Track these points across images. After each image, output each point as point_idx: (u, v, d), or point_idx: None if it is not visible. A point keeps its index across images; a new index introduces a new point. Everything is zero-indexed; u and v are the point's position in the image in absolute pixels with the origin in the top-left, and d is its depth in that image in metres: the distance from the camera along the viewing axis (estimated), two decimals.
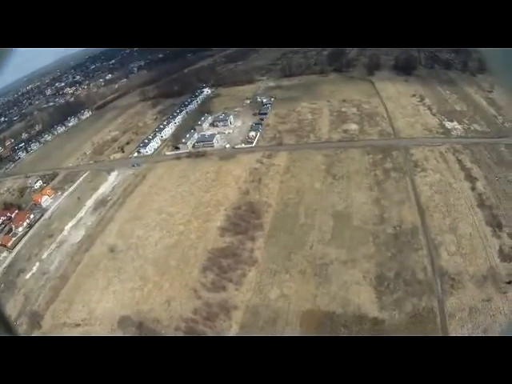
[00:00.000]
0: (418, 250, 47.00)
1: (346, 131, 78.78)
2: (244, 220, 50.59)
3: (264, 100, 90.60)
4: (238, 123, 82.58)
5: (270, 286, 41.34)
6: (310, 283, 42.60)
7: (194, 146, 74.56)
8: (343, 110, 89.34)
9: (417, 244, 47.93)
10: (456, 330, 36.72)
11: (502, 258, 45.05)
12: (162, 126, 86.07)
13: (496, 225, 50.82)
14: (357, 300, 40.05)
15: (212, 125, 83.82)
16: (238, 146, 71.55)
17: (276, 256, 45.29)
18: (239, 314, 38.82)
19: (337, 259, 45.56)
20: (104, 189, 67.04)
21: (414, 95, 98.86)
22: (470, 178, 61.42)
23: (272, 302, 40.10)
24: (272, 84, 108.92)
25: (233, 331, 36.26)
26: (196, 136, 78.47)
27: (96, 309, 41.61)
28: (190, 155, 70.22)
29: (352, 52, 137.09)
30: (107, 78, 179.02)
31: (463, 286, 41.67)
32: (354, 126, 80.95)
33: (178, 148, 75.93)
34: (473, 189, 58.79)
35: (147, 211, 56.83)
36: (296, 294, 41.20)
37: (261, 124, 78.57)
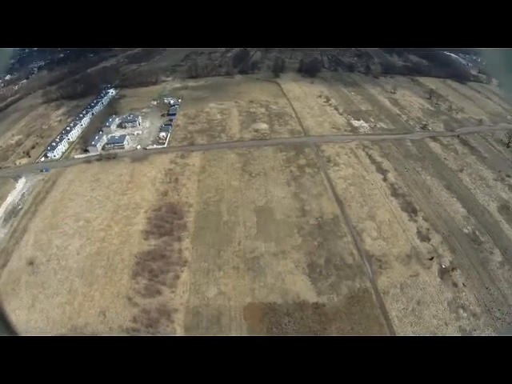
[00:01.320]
0: (342, 237, 74.49)
1: (256, 130, 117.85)
2: (166, 221, 74.06)
3: (171, 101, 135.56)
4: (147, 124, 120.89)
5: (206, 285, 61.42)
6: (245, 278, 63.46)
7: (104, 148, 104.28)
8: (252, 110, 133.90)
9: (340, 232, 75.94)
10: (392, 304, 61.06)
11: (420, 238, 79.98)
12: (68, 129, 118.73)
13: (411, 210, 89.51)
14: (294, 288, 61.82)
15: (120, 126, 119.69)
16: (150, 147, 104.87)
17: (206, 254, 67.66)
18: (180, 316, 54.35)
19: (267, 252, 69.07)
20: (13, 197, 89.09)
21: (320, 96, 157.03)
22: (381, 171, 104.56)
23: (211, 300, 57.97)
24: (178, 85, 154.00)
25: (178, 334, 53.11)
26: (105, 138, 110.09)
27: (25, 332, 50.14)
28: (100, 158, 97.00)
29: (256, 54, 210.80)
30: (6, 78, 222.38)
31: (390, 266, 70.06)
32: (264, 126, 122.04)
33: (87, 151, 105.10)
34: (385, 180, 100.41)
35: (63, 218, 75.90)
36: (234, 290, 60.64)
37: (170, 125, 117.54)
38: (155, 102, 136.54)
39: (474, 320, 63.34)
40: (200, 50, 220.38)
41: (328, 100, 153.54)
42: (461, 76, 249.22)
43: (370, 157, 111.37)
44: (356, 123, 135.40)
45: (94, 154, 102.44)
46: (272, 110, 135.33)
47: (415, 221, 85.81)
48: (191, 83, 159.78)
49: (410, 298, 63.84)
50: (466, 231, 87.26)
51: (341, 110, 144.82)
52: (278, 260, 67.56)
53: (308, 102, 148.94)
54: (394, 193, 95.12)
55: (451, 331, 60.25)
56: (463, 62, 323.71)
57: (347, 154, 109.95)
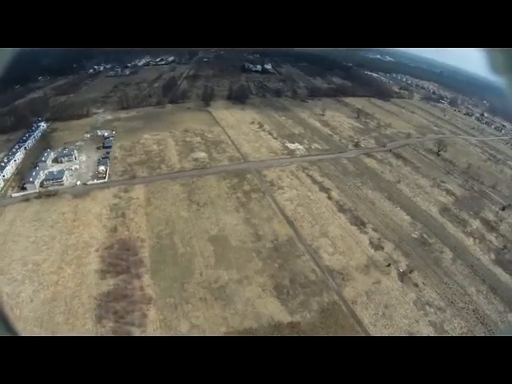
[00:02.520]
0: (300, 256, 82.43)
1: (196, 159, 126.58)
2: (121, 258, 76.48)
3: (105, 133, 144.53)
4: (84, 158, 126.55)
5: (177, 320, 63.94)
6: (214, 308, 67.13)
7: (42, 185, 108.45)
8: (187, 139, 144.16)
9: (298, 252, 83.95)
10: (362, 312, 69.40)
11: (374, 248, 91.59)
12: (2, 165, 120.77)
13: (360, 223, 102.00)
14: (266, 311, 67.03)
15: (56, 161, 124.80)
16: (90, 182, 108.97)
17: (169, 289, 70.44)
18: None
19: (231, 280, 73.70)
20: None
21: (253, 122, 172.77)
22: (324, 189, 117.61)
23: (186, 335, 59.65)
24: (110, 117, 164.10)
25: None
26: (42, 174, 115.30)
27: None
28: (39, 195, 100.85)
29: (183, 83, 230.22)
30: None
31: (352, 277, 79.12)
32: (202, 154, 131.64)
33: (24, 188, 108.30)
34: (329, 198, 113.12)
35: (9, 263, 76.71)
36: (206, 322, 63.88)
37: (108, 158, 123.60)
38: (89, 135, 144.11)
39: (441, 313, 74.86)
40: (127, 80, 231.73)
41: (261, 126, 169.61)
42: (384, 94, 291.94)
43: (310, 177, 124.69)
44: (292, 146, 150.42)
45: (32, 191, 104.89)
46: (208, 139, 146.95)
47: (366, 232, 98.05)
48: (123, 114, 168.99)
49: (378, 304, 72.99)
50: (415, 236, 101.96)
51: (275, 135, 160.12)
52: (244, 286, 72.88)
53: (242, 128, 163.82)
54: (341, 209, 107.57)
55: (423, 327, 70.58)
56: (384, 79, 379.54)
57: (289, 177, 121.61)
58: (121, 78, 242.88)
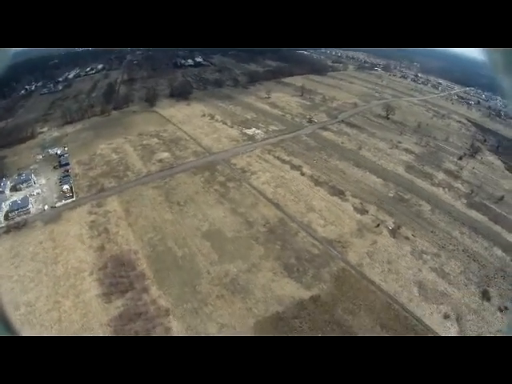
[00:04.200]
0: (297, 233, 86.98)
1: (160, 161, 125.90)
2: (120, 276, 75.07)
3: (57, 151, 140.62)
4: (43, 181, 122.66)
5: (203, 324, 64.44)
6: (235, 302, 68.43)
7: (7, 218, 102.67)
8: (145, 142, 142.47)
9: (292, 230, 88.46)
10: (371, 272, 75.72)
11: (360, 213, 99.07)
12: None
13: (339, 193, 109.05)
14: (285, 293, 70.11)
15: (15, 189, 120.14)
16: (59, 204, 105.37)
17: (183, 295, 70.18)
18: None
19: (240, 271, 75.51)
20: None
21: (204, 115, 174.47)
22: (295, 167, 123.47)
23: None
24: (57, 134, 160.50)
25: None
26: (4, 206, 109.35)
27: None
28: (8, 229, 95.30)
29: (121, 89, 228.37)
30: None
31: (351, 243, 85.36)
32: (165, 154, 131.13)
33: None
34: (302, 174, 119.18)
35: None
36: (233, 318, 64.96)
37: (69, 175, 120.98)
38: (41, 156, 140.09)
39: (437, 258, 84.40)
40: (63, 95, 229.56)
41: (213, 117, 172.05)
42: (319, 69, 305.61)
43: (278, 158, 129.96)
44: (250, 132, 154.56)
45: None
46: (165, 138, 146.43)
47: (347, 200, 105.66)
48: (70, 129, 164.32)
49: (381, 261, 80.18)
50: (391, 195, 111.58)
51: (229, 123, 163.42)
52: (255, 274, 75.25)
53: (195, 122, 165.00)
54: (317, 182, 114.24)
55: (426, 273, 79.28)
56: (315, 56, 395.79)
57: (258, 161, 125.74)
58: (56, 94, 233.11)
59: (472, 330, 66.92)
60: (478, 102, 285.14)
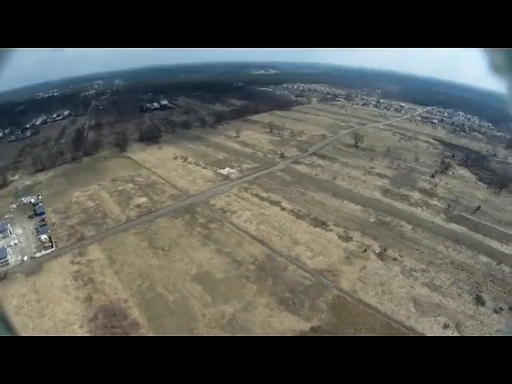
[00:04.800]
0: (286, 267, 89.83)
1: (138, 206, 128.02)
2: (112, 327, 74.80)
3: (31, 200, 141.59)
4: (19, 231, 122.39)
5: None
6: None
7: None
8: (120, 188, 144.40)
9: (281, 265, 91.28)
10: (365, 296, 79.01)
11: (344, 240, 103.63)
12: None
13: (321, 224, 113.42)
14: (285, 326, 71.89)
15: None
16: (39, 255, 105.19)
17: None
18: None
19: (236, 311, 76.63)
20: None
21: (176, 158, 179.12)
22: (274, 203, 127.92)
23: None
24: (29, 182, 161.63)
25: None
26: None
27: None
28: None
29: (90, 135, 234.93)
30: None
31: (341, 271, 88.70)
32: (143, 199, 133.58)
33: None
34: (283, 209, 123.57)
35: None
36: None
37: (46, 224, 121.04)
38: (15, 205, 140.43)
39: (427, 273, 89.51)
40: (32, 142, 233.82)
41: (185, 159, 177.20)
42: (284, 104, 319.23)
43: (256, 195, 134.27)
44: (224, 171, 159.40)
45: None
46: (140, 183, 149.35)
47: (331, 230, 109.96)
48: (42, 177, 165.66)
49: (374, 284, 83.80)
50: (372, 220, 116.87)
51: (203, 165, 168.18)
52: (252, 312, 76.54)
53: (168, 166, 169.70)
54: (298, 216, 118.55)
55: (419, 289, 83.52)
56: (278, 92, 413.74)
57: (236, 200, 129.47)
58: (24, 141, 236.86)
59: (473, 334, 70.71)
60: (442, 119, 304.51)
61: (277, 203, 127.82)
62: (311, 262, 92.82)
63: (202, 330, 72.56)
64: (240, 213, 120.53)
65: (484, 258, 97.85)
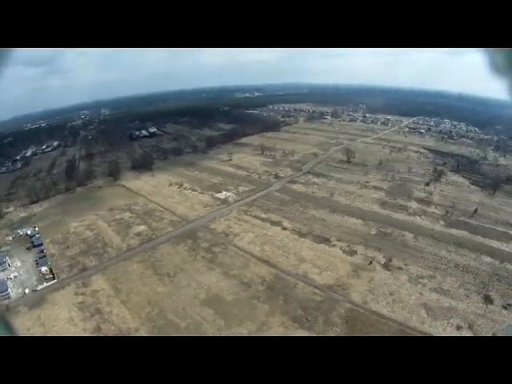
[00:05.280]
0: (296, 285, 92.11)
1: (138, 234, 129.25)
2: None
3: (28, 231, 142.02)
4: (18, 263, 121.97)
5: None
6: None
7: None
8: (117, 217, 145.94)
9: (290, 283, 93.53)
10: (377, 306, 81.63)
11: (349, 254, 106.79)
12: None
13: (324, 240, 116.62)
14: None
15: None
16: (40, 287, 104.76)
17: None
18: None
19: (250, 332, 77.61)
20: None
21: (171, 184, 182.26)
22: (275, 223, 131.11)
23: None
24: (23, 214, 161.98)
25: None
26: None
27: None
28: None
29: (81, 165, 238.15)
30: None
31: (349, 284, 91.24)
32: (142, 227, 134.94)
33: None
34: (284, 229, 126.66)
35: None
36: None
37: (45, 256, 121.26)
38: (11, 237, 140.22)
39: (434, 279, 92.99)
40: (23, 173, 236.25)
41: (181, 185, 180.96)
42: (272, 126, 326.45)
43: (256, 217, 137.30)
44: (221, 195, 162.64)
45: None
46: (138, 211, 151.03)
47: (334, 245, 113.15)
48: (37, 208, 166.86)
49: (384, 294, 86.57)
50: (374, 232, 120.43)
51: (199, 190, 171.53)
52: (267, 332, 77.85)
53: (164, 192, 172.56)
54: (300, 234, 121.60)
55: (428, 295, 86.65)
56: (265, 113, 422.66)
57: (237, 223, 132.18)
58: (15, 173, 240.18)
59: (486, 332, 74.04)
60: (429, 128, 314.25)
61: (278, 223, 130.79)
62: (319, 278, 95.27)
63: None
64: (242, 235, 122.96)
65: (487, 259, 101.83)
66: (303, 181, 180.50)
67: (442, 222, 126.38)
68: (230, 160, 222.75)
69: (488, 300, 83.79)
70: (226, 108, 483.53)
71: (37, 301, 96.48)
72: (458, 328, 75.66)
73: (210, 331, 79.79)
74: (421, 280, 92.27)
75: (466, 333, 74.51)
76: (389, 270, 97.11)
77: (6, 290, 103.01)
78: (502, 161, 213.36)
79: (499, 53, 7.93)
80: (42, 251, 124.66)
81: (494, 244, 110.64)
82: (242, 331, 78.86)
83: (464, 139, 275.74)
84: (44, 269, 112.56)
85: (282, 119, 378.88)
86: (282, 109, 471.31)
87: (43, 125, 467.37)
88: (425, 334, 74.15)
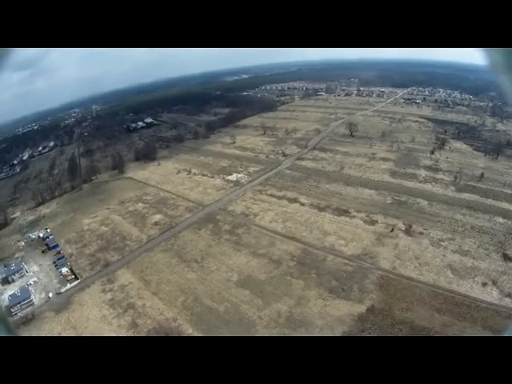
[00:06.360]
0: (325, 258, 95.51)
1: (157, 223, 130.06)
2: None
3: (40, 234, 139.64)
4: (35, 268, 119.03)
5: None
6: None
7: (10, 315, 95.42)
8: (131, 209, 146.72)
9: (319, 257, 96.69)
10: (406, 270, 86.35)
11: (371, 224, 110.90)
12: None
13: (344, 212, 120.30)
14: (342, 312, 77.17)
15: (6, 281, 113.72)
16: (64, 289, 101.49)
17: None
18: None
19: (290, 307, 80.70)
20: None
21: (179, 171, 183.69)
22: (292, 200, 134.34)
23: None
24: (32, 217, 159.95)
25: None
26: (1, 301, 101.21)
27: None
28: (15, 326, 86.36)
29: (83, 162, 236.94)
30: None
31: (376, 252, 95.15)
32: (158, 216, 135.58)
33: None
34: (302, 204, 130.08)
35: None
36: None
37: (63, 257, 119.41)
38: (23, 243, 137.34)
39: (453, 241, 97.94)
40: (23, 176, 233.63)
41: (189, 171, 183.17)
42: (270, 106, 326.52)
43: (272, 195, 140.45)
44: (232, 178, 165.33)
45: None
46: (150, 201, 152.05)
47: (354, 216, 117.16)
48: (44, 210, 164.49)
49: (410, 259, 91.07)
50: (389, 201, 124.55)
51: (209, 174, 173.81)
52: (306, 305, 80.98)
53: (174, 180, 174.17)
54: (319, 208, 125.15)
55: (450, 256, 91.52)
56: (259, 95, 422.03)
57: (254, 203, 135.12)
58: (15, 177, 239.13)
59: (509, 288, 78.70)
60: (424, 98, 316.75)
61: (295, 200, 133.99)
62: (346, 249, 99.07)
63: (263, 332, 74.80)
64: (262, 214, 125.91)
65: (500, 220, 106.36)
66: (311, 157, 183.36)
67: (452, 188, 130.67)
68: (234, 142, 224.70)
69: (507, 258, 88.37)
70: (218, 92, 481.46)
71: (63, 304, 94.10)
72: (484, 285, 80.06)
73: (250, 312, 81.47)
74: (442, 243, 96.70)
75: (491, 289, 78.90)
76: (411, 236, 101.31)
77: (29, 297, 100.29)
78: (500, 126, 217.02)
79: (499, 53, 7.90)
80: (59, 252, 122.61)
81: (505, 205, 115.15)
82: (282, 307, 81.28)
83: (460, 107, 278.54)
84: (65, 270, 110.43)
85: (278, 99, 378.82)
86: (275, 88, 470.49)
87: (35, 127, 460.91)
88: (454, 292, 78.72)
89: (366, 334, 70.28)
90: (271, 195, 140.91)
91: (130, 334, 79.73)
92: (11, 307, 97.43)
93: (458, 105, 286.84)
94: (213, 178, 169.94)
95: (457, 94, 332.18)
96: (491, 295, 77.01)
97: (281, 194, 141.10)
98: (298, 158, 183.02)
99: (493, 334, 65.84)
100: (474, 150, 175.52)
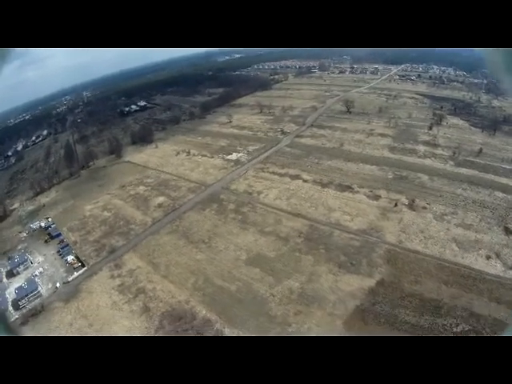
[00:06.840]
0: (332, 234, 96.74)
1: (160, 205, 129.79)
2: (185, 330, 73.72)
3: (42, 224, 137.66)
4: (40, 258, 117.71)
5: None
6: (314, 312, 74.22)
7: (18, 308, 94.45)
8: (132, 192, 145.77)
9: (326, 232, 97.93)
10: (411, 243, 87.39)
11: (374, 199, 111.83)
12: None
13: (346, 188, 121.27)
14: (354, 287, 78.54)
15: (11, 274, 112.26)
16: (72, 278, 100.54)
17: (262, 325, 73.12)
18: None
19: (302, 283, 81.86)
20: None
21: (178, 153, 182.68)
22: (294, 176, 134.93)
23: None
24: (31, 207, 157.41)
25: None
26: (8, 295, 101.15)
27: None
28: (25, 319, 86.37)
29: (79, 148, 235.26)
30: None
31: (381, 226, 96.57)
32: (162, 198, 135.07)
33: None
34: (305, 181, 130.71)
35: None
36: (321, 326, 70.14)
37: (67, 245, 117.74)
38: (25, 233, 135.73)
39: (456, 215, 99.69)
40: (19, 167, 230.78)
41: (188, 152, 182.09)
42: (264, 84, 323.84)
43: (274, 173, 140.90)
44: (232, 157, 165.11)
45: (14, 318, 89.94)
46: (151, 184, 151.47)
47: (357, 192, 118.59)
48: (44, 199, 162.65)
49: (416, 233, 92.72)
50: (391, 176, 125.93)
51: (208, 155, 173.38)
52: (316, 281, 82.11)
53: (173, 162, 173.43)
54: (322, 185, 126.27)
55: (454, 230, 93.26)
56: (252, 74, 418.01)
57: (257, 181, 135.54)
58: (11, 168, 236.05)
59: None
60: (419, 75, 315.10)
61: (297, 177, 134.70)
62: (352, 224, 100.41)
63: (278, 309, 75.60)
64: (266, 192, 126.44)
65: (500, 194, 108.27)
66: (310, 134, 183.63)
67: (451, 163, 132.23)
68: (231, 122, 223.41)
69: (508, 231, 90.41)
70: (210, 73, 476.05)
71: (71, 293, 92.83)
72: (488, 258, 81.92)
73: (262, 289, 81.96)
74: (445, 217, 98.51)
75: (495, 262, 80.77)
76: (414, 210, 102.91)
77: (36, 288, 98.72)
78: (495, 103, 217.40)
79: (499, 53, 7.97)
80: (63, 241, 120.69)
81: (504, 180, 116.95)
82: (294, 284, 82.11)
83: (455, 83, 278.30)
84: (70, 258, 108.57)
85: (271, 77, 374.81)
86: (267, 67, 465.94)
87: (27, 117, 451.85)
88: (460, 265, 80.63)
89: (366, 334, 71.60)
90: (273, 173, 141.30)
91: (142, 318, 79.23)
92: (19, 300, 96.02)
93: (453, 81, 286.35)
94: (212, 157, 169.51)
95: (450, 70, 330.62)
96: (495, 268, 79.00)
97: (283, 171, 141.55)
98: (297, 136, 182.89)
99: (498, 305, 68.84)
100: (471, 125, 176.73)
